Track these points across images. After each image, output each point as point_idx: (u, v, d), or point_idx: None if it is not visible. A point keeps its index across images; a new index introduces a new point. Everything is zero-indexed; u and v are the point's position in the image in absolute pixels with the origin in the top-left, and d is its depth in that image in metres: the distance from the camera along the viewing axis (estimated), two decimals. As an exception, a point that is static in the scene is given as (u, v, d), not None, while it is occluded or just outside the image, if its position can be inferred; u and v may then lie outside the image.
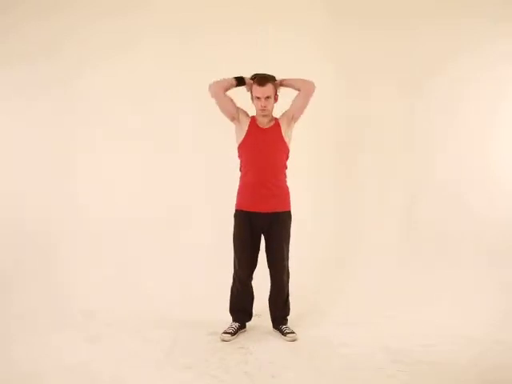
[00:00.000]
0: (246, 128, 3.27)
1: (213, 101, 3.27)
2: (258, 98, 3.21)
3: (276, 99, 3.29)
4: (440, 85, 4.39)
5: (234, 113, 3.29)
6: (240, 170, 3.35)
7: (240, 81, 3.28)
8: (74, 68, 4.33)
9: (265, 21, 4.36)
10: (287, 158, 3.33)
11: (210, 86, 3.25)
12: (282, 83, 3.32)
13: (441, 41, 4.33)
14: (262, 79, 3.21)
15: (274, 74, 3.28)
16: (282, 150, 3.30)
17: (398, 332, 3.35)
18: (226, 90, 3.27)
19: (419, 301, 3.79)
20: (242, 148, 3.29)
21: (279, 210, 3.28)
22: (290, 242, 3.35)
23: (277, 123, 3.30)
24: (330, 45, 4.43)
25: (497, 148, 4.36)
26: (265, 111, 3.23)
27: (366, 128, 4.47)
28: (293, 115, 3.31)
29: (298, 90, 3.31)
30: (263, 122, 3.29)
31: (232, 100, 3.29)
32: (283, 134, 3.29)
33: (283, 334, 3.31)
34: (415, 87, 4.41)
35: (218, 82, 3.25)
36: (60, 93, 4.34)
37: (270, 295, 3.42)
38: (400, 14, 4.38)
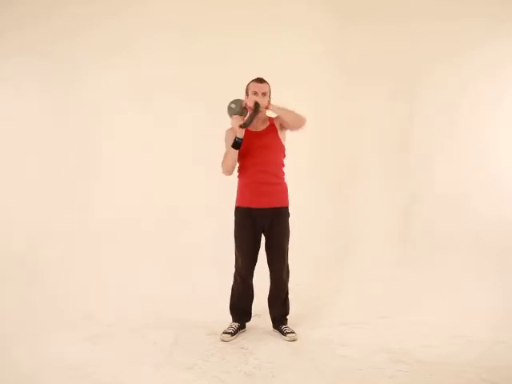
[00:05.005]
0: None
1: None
2: (255, 93, 3.22)
3: (269, 102, 3.27)
4: (440, 85, 4.38)
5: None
6: (238, 171, 3.36)
7: (236, 144, 3.18)
8: (73, 68, 4.33)
9: (266, 21, 4.36)
10: (284, 156, 3.35)
11: (224, 172, 3.27)
12: (269, 107, 3.25)
13: (441, 41, 4.32)
14: (259, 78, 3.25)
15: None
16: (279, 150, 3.32)
17: (397, 332, 3.35)
18: (235, 161, 3.25)
19: (419, 301, 3.79)
20: (240, 153, 3.27)
21: (279, 205, 3.30)
22: (290, 241, 3.36)
23: (271, 124, 3.32)
24: (330, 45, 4.43)
25: (497, 148, 4.36)
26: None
27: (365, 127, 4.47)
28: (283, 127, 3.32)
29: (287, 123, 3.26)
30: (257, 125, 3.30)
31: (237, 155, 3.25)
32: (279, 134, 3.31)
33: (283, 333, 3.31)
34: (415, 87, 4.40)
35: (223, 162, 3.24)
36: (60, 93, 4.34)
37: (270, 294, 3.42)
38: (400, 14, 4.37)
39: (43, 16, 4.30)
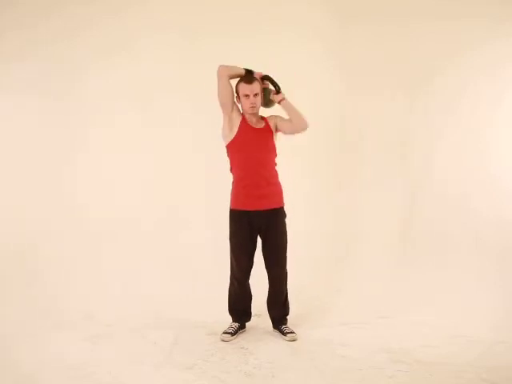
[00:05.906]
0: (238, 126, 3.24)
1: (214, 90, 3.24)
2: (247, 95, 3.18)
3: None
4: (440, 85, 4.38)
5: (230, 104, 3.24)
6: (231, 171, 3.34)
7: (248, 73, 3.25)
8: (73, 68, 4.33)
9: (266, 21, 4.36)
10: (276, 156, 3.33)
11: (220, 67, 3.21)
12: (280, 102, 3.25)
13: (441, 41, 4.33)
14: (248, 77, 3.21)
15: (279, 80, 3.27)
16: (273, 150, 3.31)
17: (397, 332, 3.35)
18: (232, 77, 3.23)
19: (419, 301, 3.79)
20: (234, 146, 3.26)
21: (275, 206, 3.28)
22: (289, 242, 3.35)
23: (267, 125, 3.30)
24: (330, 45, 4.43)
25: (497, 148, 4.36)
26: (254, 109, 3.22)
27: (365, 127, 4.46)
28: (279, 130, 3.32)
29: (290, 120, 3.27)
30: (253, 121, 3.27)
31: (233, 91, 3.26)
32: (273, 135, 3.30)
33: (283, 333, 3.31)
34: (415, 87, 4.40)
35: (228, 66, 3.21)
36: (60, 92, 4.33)
37: (269, 297, 3.41)
38: (400, 14, 4.37)
39: (43, 16, 4.29)
